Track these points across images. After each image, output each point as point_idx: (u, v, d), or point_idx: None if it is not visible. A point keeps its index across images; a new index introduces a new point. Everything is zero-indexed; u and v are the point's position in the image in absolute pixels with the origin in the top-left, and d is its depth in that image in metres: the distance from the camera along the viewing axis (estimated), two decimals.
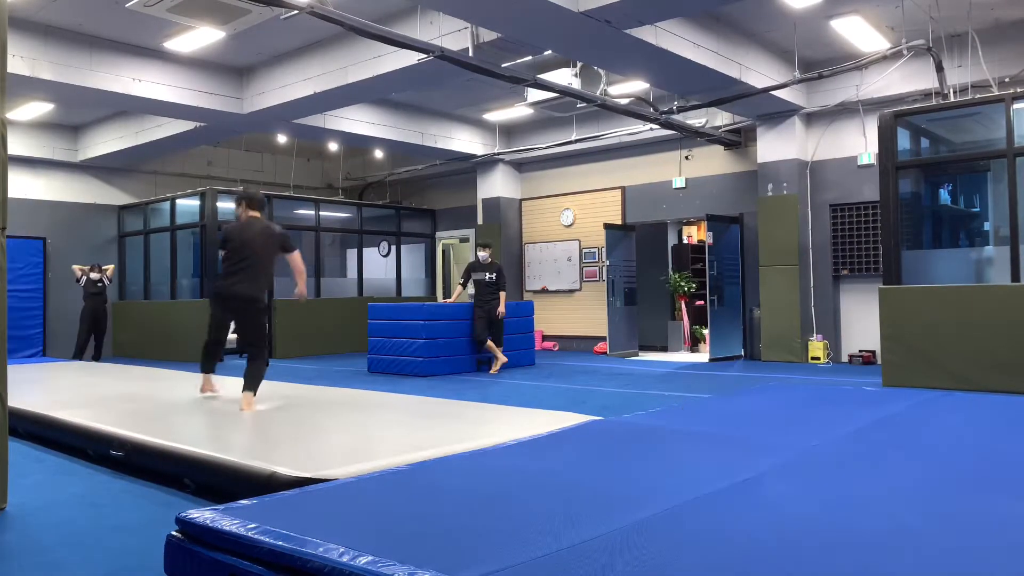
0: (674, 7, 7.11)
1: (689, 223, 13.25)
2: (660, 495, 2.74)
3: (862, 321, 10.08)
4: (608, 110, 10.06)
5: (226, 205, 12.77)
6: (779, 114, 10.41)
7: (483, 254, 9.72)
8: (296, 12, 6.67)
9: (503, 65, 8.27)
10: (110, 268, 11.97)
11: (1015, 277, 6.80)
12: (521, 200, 14.19)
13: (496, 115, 12.61)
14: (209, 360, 6.20)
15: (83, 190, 13.29)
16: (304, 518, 2.47)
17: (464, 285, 9.72)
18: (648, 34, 7.54)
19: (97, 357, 11.45)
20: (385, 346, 9.61)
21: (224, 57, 9.75)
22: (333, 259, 15.26)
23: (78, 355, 11.33)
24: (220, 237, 5.87)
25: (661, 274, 12.88)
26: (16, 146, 11.81)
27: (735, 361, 10.72)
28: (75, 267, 11.74)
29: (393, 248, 14.99)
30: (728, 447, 3.64)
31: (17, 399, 5.08)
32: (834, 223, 10.42)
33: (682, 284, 12.42)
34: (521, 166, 14.13)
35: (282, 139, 13.17)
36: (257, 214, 5.89)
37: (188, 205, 12.71)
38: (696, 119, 11.05)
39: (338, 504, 2.73)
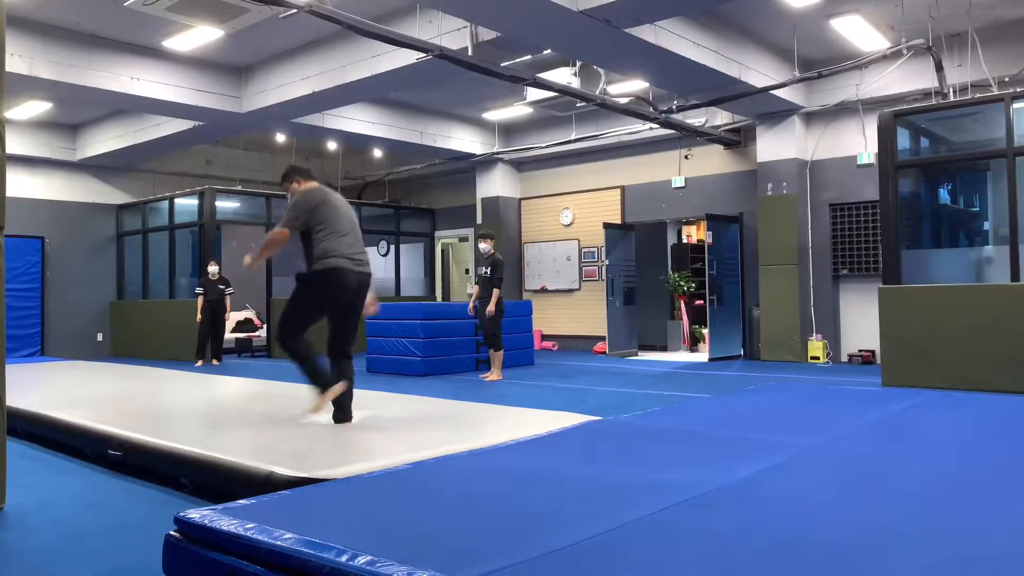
0: (674, 6, 7.11)
1: (689, 223, 13.25)
2: (660, 495, 2.73)
3: (862, 321, 10.07)
4: (607, 109, 10.05)
5: (224, 204, 12.77)
6: (779, 113, 10.40)
7: (484, 246, 8.55)
8: (295, 11, 6.66)
9: (502, 64, 8.26)
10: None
11: (1015, 277, 6.79)
12: (520, 199, 14.18)
13: (495, 114, 12.60)
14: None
15: (82, 189, 13.28)
16: (302, 518, 2.46)
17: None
18: (648, 33, 7.54)
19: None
20: (384, 346, 9.60)
21: (223, 56, 9.73)
22: None
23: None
24: (300, 203, 4.50)
25: (660, 274, 12.88)
26: (14, 145, 11.79)
27: (734, 361, 10.71)
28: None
29: (392, 247, 14.98)
30: (728, 447, 3.63)
31: (15, 399, 5.06)
32: (834, 223, 10.41)
33: (681, 284, 12.42)
34: (520, 165, 14.12)
35: (281, 138, 13.15)
36: (315, 183, 4.75)
37: (187, 204, 12.70)
38: (696, 118, 11.04)
39: (337, 504, 2.72)
